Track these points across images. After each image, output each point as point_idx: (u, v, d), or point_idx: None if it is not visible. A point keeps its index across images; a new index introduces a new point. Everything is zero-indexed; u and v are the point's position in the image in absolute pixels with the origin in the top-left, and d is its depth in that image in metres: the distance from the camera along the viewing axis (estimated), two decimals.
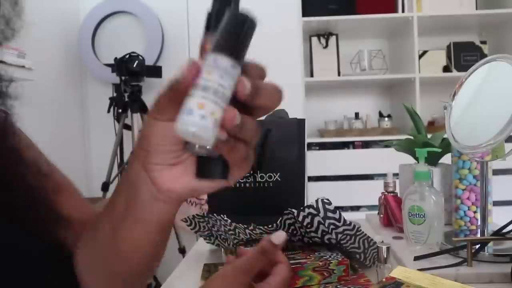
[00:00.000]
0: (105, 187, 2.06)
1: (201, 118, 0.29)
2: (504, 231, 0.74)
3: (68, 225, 0.45)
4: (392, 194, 1.01)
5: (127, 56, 2.05)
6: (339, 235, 0.69)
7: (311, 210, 0.70)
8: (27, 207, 0.42)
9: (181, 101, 0.31)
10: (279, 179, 0.92)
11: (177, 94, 0.32)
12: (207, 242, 0.87)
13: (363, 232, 0.72)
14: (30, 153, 0.45)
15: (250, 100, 0.32)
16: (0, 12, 0.41)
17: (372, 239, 0.73)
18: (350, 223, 0.71)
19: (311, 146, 2.37)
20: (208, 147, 0.31)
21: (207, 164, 0.34)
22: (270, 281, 0.47)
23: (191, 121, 0.29)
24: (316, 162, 2.30)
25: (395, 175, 1.04)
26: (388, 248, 0.62)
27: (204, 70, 0.31)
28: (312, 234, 0.71)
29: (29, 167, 0.44)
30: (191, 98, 0.30)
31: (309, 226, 0.70)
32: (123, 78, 2.06)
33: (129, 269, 0.42)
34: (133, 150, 0.40)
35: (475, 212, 0.89)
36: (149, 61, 2.24)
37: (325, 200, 0.71)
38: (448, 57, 2.48)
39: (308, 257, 0.67)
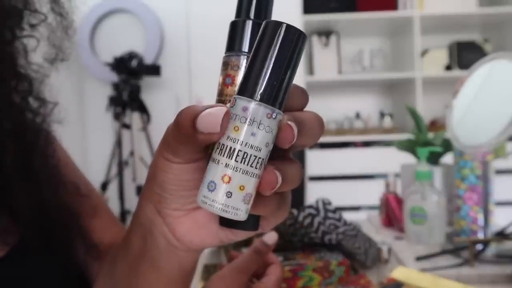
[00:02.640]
0: (103, 186, 2.06)
1: (227, 196, 0.22)
2: (507, 231, 0.73)
3: (97, 254, 0.44)
4: (393, 194, 1.01)
5: (126, 55, 2.05)
6: (340, 236, 0.69)
7: (312, 211, 0.69)
8: (61, 231, 0.41)
9: (198, 145, 0.25)
10: None
11: (191, 142, 0.25)
12: None
13: (363, 232, 0.71)
14: (69, 173, 0.44)
15: (292, 145, 0.25)
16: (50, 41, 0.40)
17: (373, 240, 0.72)
18: (351, 224, 0.70)
19: (311, 145, 2.37)
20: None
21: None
22: (265, 281, 0.47)
23: (215, 200, 0.23)
24: (316, 162, 2.29)
25: (396, 175, 1.04)
26: (389, 249, 0.61)
27: (231, 123, 0.22)
28: (313, 235, 0.70)
29: (67, 187, 0.43)
30: (212, 164, 0.23)
31: (309, 226, 0.69)
32: (122, 76, 2.06)
33: None
34: (142, 187, 0.32)
35: (477, 212, 0.88)
36: (148, 60, 2.23)
37: (326, 200, 0.70)
38: (450, 55, 2.47)
39: (308, 257, 0.67)
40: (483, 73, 0.77)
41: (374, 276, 0.64)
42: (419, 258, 0.73)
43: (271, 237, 0.46)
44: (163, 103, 2.38)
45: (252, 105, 0.22)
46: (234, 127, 0.22)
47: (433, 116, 2.47)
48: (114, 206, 2.00)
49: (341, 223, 0.69)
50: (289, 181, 0.25)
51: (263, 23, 0.24)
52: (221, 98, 0.29)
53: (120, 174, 2.10)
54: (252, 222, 0.27)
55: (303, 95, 0.28)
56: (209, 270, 0.75)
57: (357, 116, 2.53)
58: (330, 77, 2.43)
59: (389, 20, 2.41)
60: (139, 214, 0.31)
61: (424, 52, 2.46)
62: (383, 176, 1.94)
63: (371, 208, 2.21)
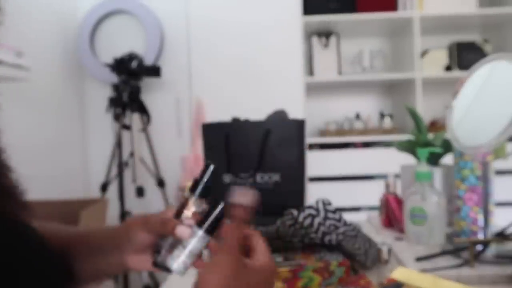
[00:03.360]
0: (103, 187, 2.06)
1: (181, 266, 0.48)
2: (507, 232, 0.73)
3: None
4: (393, 194, 1.01)
5: (126, 56, 2.05)
6: (340, 236, 0.69)
7: (312, 211, 0.69)
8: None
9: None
10: (279, 180, 0.92)
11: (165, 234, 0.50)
12: None
13: (364, 233, 0.71)
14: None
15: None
16: None
17: (373, 240, 0.72)
18: (351, 224, 0.70)
19: (311, 146, 2.37)
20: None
21: (160, 265, 0.51)
22: (255, 253, 0.47)
23: (174, 266, 0.48)
24: (316, 163, 2.29)
25: (396, 175, 1.04)
26: (389, 249, 0.61)
27: (194, 240, 0.48)
28: (313, 235, 0.70)
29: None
30: (176, 251, 0.48)
31: (309, 227, 0.69)
32: (122, 78, 2.06)
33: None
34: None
35: (477, 213, 0.88)
36: (148, 61, 2.23)
37: (326, 201, 0.70)
38: (450, 56, 2.47)
39: (308, 258, 0.66)
40: (483, 74, 0.77)
41: (374, 277, 0.64)
42: (419, 259, 0.73)
43: (244, 196, 0.48)
44: (163, 104, 2.38)
45: (202, 234, 0.48)
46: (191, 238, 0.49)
47: (433, 117, 2.47)
48: (114, 207, 2.00)
49: (341, 224, 0.69)
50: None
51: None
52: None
53: (120, 175, 2.10)
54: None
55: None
56: None
57: (357, 116, 2.53)
58: (330, 77, 2.43)
59: (389, 21, 2.41)
60: (109, 235, 0.54)
61: (424, 53, 2.46)
62: (383, 176, 1.94)
63: (371, 208, 2.21)
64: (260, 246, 0.48)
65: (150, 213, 0.53)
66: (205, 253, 0.50)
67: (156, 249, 0.51)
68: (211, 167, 0.52)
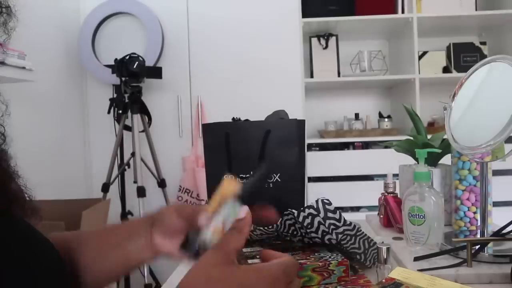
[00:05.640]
0: (105, 188, 2.06)
1: (210, 233, 0.48)
2: (504, 231, 0.74)
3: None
4: (392, 194, 1.01)
5: (127, 57, 2.05)
6: (340, 235, 0.69)
7: (311, 211, 0.70)
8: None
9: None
10: (279, 180, 0.92)
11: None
12: None
13: (363, 232, 0.72)
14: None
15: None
16: None
17: (372, 240, 0.73)
18: (350, 223, 0.71)
19: (311, 147, 2.38)
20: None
21: (189, 246, 0.52)
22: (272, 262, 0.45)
23: (203, 235, 0.48)
24: (316, 163, 2.30)
25: (395, 175, 1.04)
26: (388, 249, 0.62)
27: (228, 205, 0.50)
28: (313, 235, 0.71)
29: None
30: (214, 219, 0.48)
31: (309, 226, 0.70)
32: (123, 79, 2.06)
33: (98, 277, 0.56)
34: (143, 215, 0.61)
35: (475, 212, 0.89)
36: (149, 62, 2.24)
37: (325, 201, 0.71)
38: (448, 58, 2.48)
39: (308, 257, 0.67)
40: (481, 75, 0.78)
41: (373, 276, 0.65)
42: (417, 258, 0.73)
43: (242, 212, 0.50)
44: (164, 104, 2.39)
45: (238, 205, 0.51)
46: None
47: (431, 118, 2.49)
48: (115, 207, 2.01)
49: (341, 223, 0.70)
50: None
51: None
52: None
53: (121, 175, 2.11)
54: (196, 255, 0.49)
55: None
56: None
57: (356, 117, 2.54)
58: (329, 79, 2.44)
59: (388, 23, 2.43)
60: (137, 222, 0.57)
61: (422, 54, 2.47)
62: (382, 177, 1.95)
63: (370, 208, 2.22)
64: (270, 254, 0.47)
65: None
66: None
67: (185, 239, 0.55)
68: (263, 168, 0.58)
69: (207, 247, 0.48)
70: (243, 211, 0.49)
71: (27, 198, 0.44)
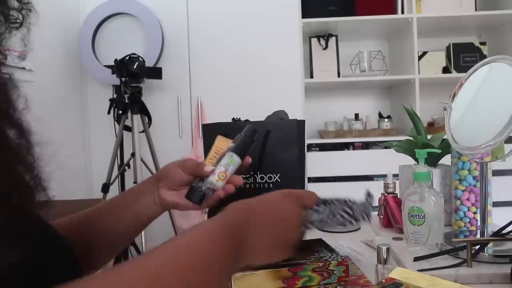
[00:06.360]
0: (105, 188, 2.06)
1: (215, 177, 0.62)
2: (504, 232, 0.74)
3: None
4: (392, 195, 1.01)
5: (127, 58, 2.06)
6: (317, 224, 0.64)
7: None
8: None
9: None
10: (279, 180, 0.92)
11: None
12: None
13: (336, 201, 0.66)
14: None
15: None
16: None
17: (351, 199, 0.63)
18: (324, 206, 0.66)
19: (311, 147, 2.38)
20: (215, 189, 0.63)
21: (195, 193, 0.62)
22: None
23: (209, 178, 0.61)
24: (316, 163, 2.30)
25: (395, 176, 1.04)
26: (388, 249, 0.62)
27: (226, 156, 0.63)
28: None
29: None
30: (217, 167, 0.62)
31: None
32: (123, 79, 2.07)
33: (114, 243, 0.61)
34: (150, 176, 0.66)
35: (474, 213, 0.89)
36: (149, 63, 2.24)
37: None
38: (448, 58, 2.49)
39: (307, 257, 0.67)
40: (481, 75, 0.78)
41: (373, 276, 0.65)
42: (417, 259, 0.73)
43: (237, 159, 0.65)
44: (164, 104, 2.39)
45: (236, 155, 0.63)
46: (227, 158, 0.64)
47: (431, 118, 2.49)
48: None
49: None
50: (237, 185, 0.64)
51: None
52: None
53: (121, 176, 2.11)
54: (200, 200, 0.62)
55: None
56: None
57: (356, 117, 2.54)
58: (329, 79, 2.44)
59: (387, 23, 2.43)
60: (143, 183, 0.64)
61: (422, 55, 2.47)
62: (382, 177, 1.95)
63: None
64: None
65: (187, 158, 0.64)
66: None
67: (190, 189, 0.63)
68: (250, 127, 0.65)
69: (215, 187, 0.59)
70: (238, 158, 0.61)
71: (40, 191, 0.44)
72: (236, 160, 0.60)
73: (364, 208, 0.60)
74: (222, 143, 0.68)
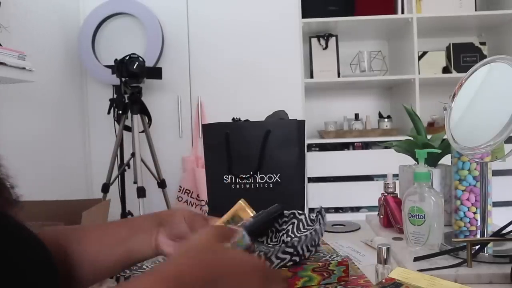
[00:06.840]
0: (105, 188, 2.06)
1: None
2: (504, 232, 0.74)
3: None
4: (392, 195, 1.01)
5: (127, 58, 2.06)
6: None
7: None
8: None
9: None
10: (279, 180, 0.93)
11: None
12: None
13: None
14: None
15: None
16: None
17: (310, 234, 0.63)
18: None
19: (311, 147, 2.38)
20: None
21: None
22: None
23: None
24: (316, 163, 2.30)
25: (395, 176, 1.04)
26: (388, 249, 0.62)
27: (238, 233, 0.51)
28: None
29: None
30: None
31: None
32: (123, 79, 2.07)
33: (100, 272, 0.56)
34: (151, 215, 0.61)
35: (474, 213, 0.89)
36: (149, 63, 2.24)
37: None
38: (448, 58, 2.49)
39: (307, 257, 0.67)
40: (481, 75, 0.78)
41: (373, 276, 0.65)
42: (417, 259, 0.73)
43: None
44: (164, 105, 2.39)
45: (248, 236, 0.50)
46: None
47: (431, 118, 2.49)
48: (115, 208, 2.00)
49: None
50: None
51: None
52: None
53: (121, 176, 2.11)
54: None
55: None
56: None
57: (356, 117, 2.54)
58: (329, 79, 2.44)
59: (387, 23, 2.43)
60: (143, 219, 0.60)
61: (422, 55, 2.47)
62: (382, 177, 1.95)
63: (370, 209, 2.22)
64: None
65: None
66: None
67: None
68: (277, 208, 0.59)
69: None
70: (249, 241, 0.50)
71: (8, 188, 0.44)
72: (246, 241, 0.50)
73: (309, 240, 0.61)
74: (242, 211, 0.60)
